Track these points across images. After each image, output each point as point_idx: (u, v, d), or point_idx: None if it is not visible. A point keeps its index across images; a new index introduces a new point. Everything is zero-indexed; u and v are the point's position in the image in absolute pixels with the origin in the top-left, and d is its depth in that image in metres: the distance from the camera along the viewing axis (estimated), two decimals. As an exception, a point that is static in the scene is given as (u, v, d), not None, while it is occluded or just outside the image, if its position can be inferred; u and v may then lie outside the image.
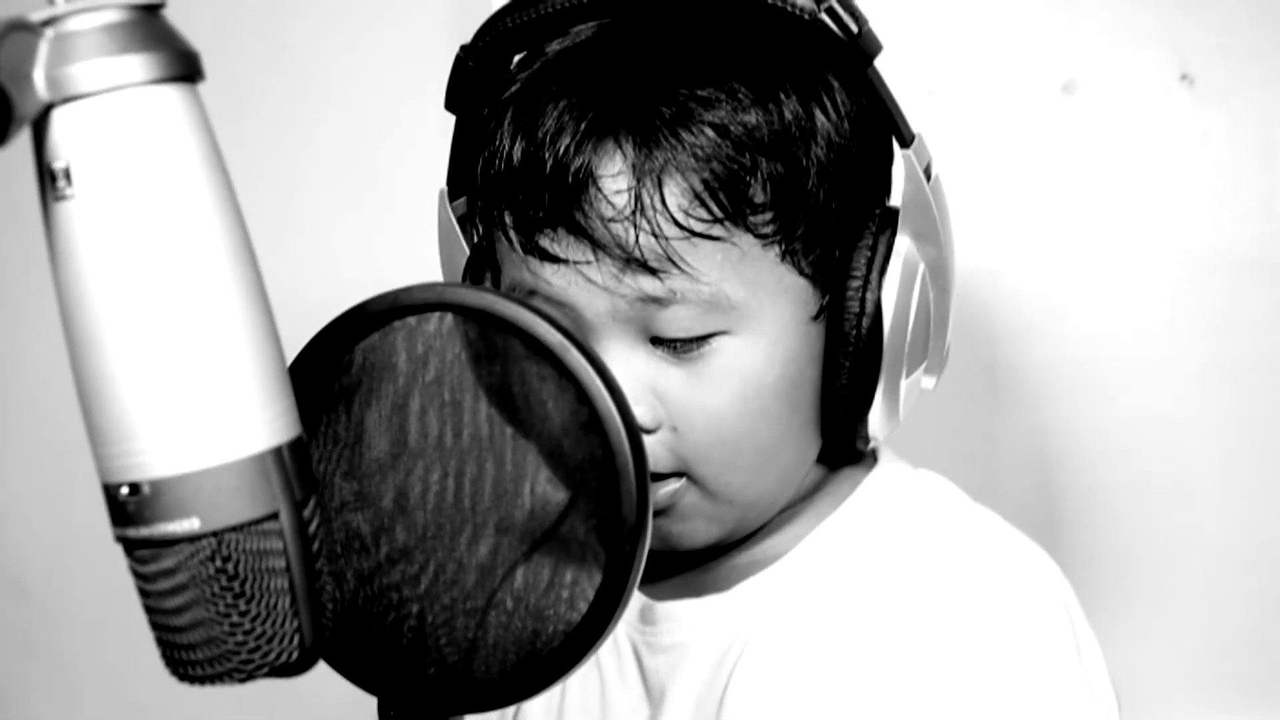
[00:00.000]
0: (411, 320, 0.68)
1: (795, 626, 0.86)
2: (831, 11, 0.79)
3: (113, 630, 1.59)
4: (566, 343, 0.66)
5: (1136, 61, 1.25)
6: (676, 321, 0.80)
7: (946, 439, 1.27)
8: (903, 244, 0.83)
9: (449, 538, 0.68)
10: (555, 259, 0.80)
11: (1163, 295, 1.26)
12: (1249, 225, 1.24)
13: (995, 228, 1.28)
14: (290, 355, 0.64)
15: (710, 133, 0.79)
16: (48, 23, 0.55)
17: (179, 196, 0.56)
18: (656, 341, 0.81)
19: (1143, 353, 1.27)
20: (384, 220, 1.35)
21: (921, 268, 0.84)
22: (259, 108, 1.49)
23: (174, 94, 0.56)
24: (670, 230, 0.79)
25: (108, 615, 1.60)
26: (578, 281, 0.80)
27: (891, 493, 0.90)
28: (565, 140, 0.79)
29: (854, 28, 0.80)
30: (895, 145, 0.85)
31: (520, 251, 0.82)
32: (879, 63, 0.82)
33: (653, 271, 0.79)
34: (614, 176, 0.79)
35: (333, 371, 0.69)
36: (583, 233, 0.79)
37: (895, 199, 0.85)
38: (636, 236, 0.79)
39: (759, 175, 0.80)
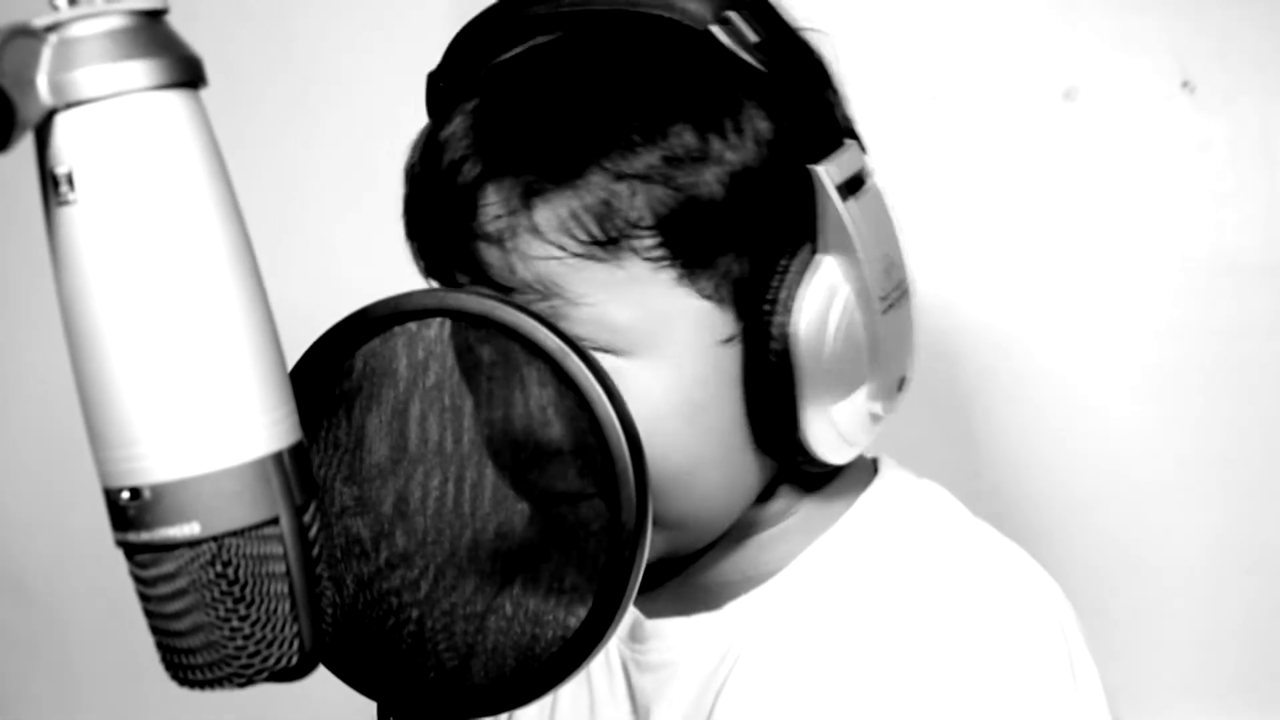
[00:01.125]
0: (412, 326, 0.69)
1: (784, 646, 0.85)
2: (726, 22, 0.77)
3: (112, 632, 1.59)
4: (566, 348, 0.67)
5: (1137, 68, 1.25)
6: None
7: (943, 446, 1.28)
8: (822, 264, 0.80)
9: (448, 543, 0.68)
10: (449, 281, 0.81)
11: (1163, 301, 1.26)
12: (1250, 231, 1.24)
13: (995, 233, 1.28)
14: (290, 360, 0.64)
15: (592, 165, 0.77)
16: (51, 28, 0.55)
17: (181, 202, 0.56)
18: None
19: (1143, 358, 1.27)
20: (385, 224, 1.35)
21: (846, 289, 0.80)
22: (258, 111, 1.49)
23: (176, 100, 0.57)
24: (542, 250, 0.77)
25: (108, 617, 1.60)
26: None
27: (887, 509, 0.88)
28: (453, 170, 0.79)
29: (753, 37, 0.77)
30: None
31: (423, 273, 0.83)
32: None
33: (537, 293, 0.78)
34: (495, 204, 0.78)
35: (333, 377, 0.69)
36: (469, 257, 0.79)
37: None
38: (511, 263, 0.78)
39: (641, 201, 0.78)
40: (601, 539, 0.67)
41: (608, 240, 0.77)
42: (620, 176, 0.77)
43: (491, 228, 0.78)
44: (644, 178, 0.77)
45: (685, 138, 0.78)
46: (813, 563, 0.87)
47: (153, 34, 0.56)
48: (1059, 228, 1.28)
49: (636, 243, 0.78)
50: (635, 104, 0.78)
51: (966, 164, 1.27)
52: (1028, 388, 1.30)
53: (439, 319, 0.68)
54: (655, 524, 0.81)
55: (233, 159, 0.59)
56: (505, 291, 0.78)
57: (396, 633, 0.69)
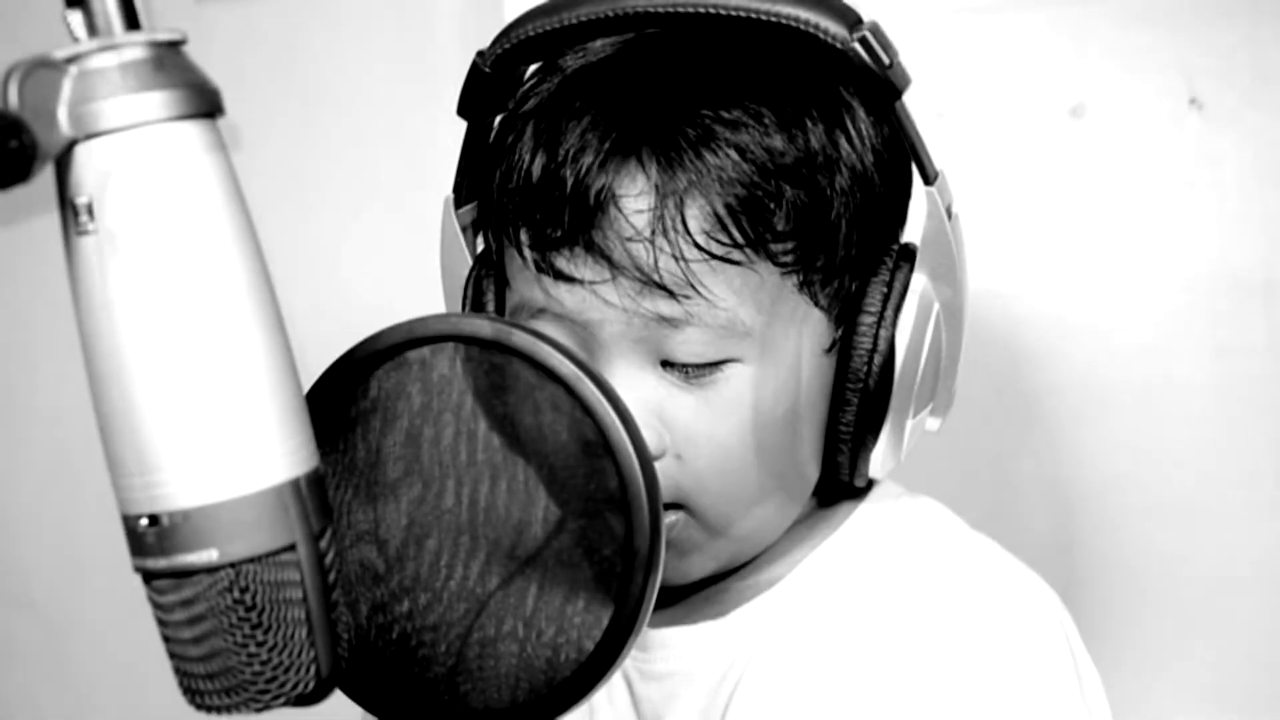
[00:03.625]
0: (425, 351, 0.69)
1: (793, 652, 0.85)
2: (864, 41, 0.78)
3: (121, 645, 1.60)
4: (580, 374, 0.67)
5: (1145, 85, 1.25)
6: (689, 345, 0.79)
7: (956, 461, 1.28)
8: (919, 282, 0.82)
9: (462, 567, 0.69)
10: (570, 279, 0.79)
11: (1170, 318, 1.26)
12: (1257, 248, 1.24)
13: (1004, 250, 1.29)
14: (306, 381, 0.64)
15: (734, 155, 0.78)
16: (71, 60, 0.56)
17: (199, 231, 0.57)
18: (667, 365, 0.80)
19: (1150, 375, 1.27)
20: (401, 239, 1.36)
21: (936, 307, 0.83)
22: (271, 130, 1.49)
23: (195, 130, 0.57)
24: (690, 253, 0.77)
25: (116, 630, 1.61)
26: (592, 301, 0.79)
27: (887, 518, 0.89)
28: (587, 159, 0.78)
29: (886, 60, 0.79)
30: (917, 181, 0.84)
31: (534, 270, 0.80)
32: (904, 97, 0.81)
33: (670, 293, 0.78)
34: (635, 197, 0.78)
35: (347, 402, 0.69)
36: (600, 253, 0.78)
37: (913, 236, 0.84)
38: (656, 258, 0.77)
39: (782, 202, 0.78)
40: (615, 563, 0.67)
41: (749, 242, 0.78)
42: (765, 171, 0.78)
43: (637, 221, 0.78)
44: (784, 174, 0.78)
45: (818, 133, 0.80)
46: (817, 569, 0.87)
47: (171, 65, 0.57)
48: (1066, 245, 1.28)
49: (774, 246, 0.79)
50: (772, 94, 0.80)
51: (974, 182, 1.27)
52: (1032, 405, 1.30)
53: (452, 344, 0.68)
54: (727, 534, 0.83)
55: (245, 182, 0.59)
56: (646, 286, 0.78)
57: (411, 656, 0.69)
